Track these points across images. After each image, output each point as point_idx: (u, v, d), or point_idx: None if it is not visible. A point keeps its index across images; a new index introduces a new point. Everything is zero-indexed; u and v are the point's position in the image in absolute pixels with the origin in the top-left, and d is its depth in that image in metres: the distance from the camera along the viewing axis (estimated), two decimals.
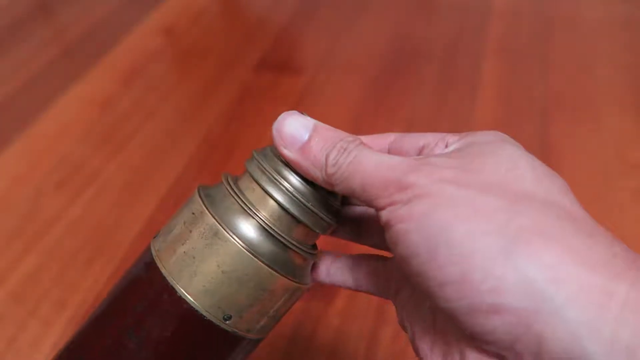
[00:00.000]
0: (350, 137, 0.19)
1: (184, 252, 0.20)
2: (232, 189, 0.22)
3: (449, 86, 0.65)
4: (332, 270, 0.24)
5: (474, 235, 0.14)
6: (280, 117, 0.20)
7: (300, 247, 0.22)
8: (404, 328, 0.21)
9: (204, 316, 0.20)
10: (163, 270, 0.20)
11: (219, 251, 0.20)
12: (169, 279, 0.20)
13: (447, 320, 0.17)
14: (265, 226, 0.21)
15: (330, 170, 0.18)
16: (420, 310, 0.19)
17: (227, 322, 0.20)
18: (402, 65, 0.69)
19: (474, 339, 0.15)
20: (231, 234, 0.20)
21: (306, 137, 0.19)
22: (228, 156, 0.58)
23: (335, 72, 0.69)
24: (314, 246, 0.24)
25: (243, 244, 0.20)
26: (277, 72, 0.70)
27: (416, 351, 0.19)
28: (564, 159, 0.54)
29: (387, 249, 0.24)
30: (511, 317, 0.13)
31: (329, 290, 0.44)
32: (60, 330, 0.43)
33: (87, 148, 0.60)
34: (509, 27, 0.76)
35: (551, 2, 0.81)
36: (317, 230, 0.22)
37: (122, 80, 0.70)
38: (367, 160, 0.18)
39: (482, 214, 0.14)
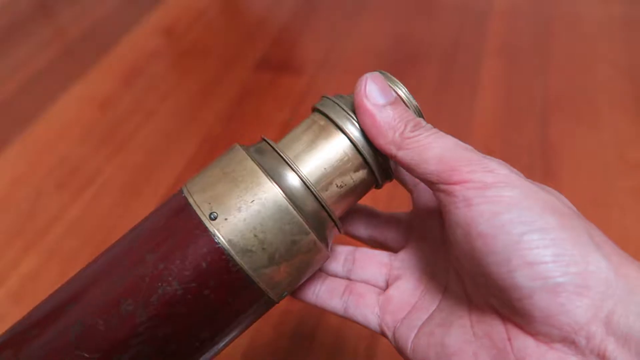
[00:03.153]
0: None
1: (222, 195, 0.20)
2: (273, 147, 0.22)
3: (449, 86, 0.65)
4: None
5: (564, 225, 0.16)
6: (371, 74, 0.21)
7: (333, 212, 0.22)
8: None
9: (236, 261, 0.19)
10: (197, 211, 0.20)
11: (260, 197, 0.20)
12: (207, 223, 0.19)
13: (494, 304, 0.18)
14: (306, 182, 0.21)
15: (408, 134, 0.19)
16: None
17: (255, 273, 0.20)
18: (402, 65, 0.69)
19: (539, 323, 0.16)
20: (273, 182, 0.20)
21: (389, 100, 0.20)
22: None
23: (335, 72, 0.69)
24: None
25: (283, 193, 0.20)
26: (277, 72, 0.70)
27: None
28: (564, 159, 0.54)
29: (393, 244, 0.25)
30: (592, 298, 0.15)
31: None
32: None
33: (87, 148, 0.60)
34: (509, 27, 0.76)
35: (551, 2, 0.81)
36: (378, 177, 0.22)
37: (122, 80, 0.70)
38: (447, 138, 0.19)
39: (560, 210, 0.16)
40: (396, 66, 0.69)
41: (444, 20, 0.78)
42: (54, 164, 0.59)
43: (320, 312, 0.43)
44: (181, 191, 0.21)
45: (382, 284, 0.25)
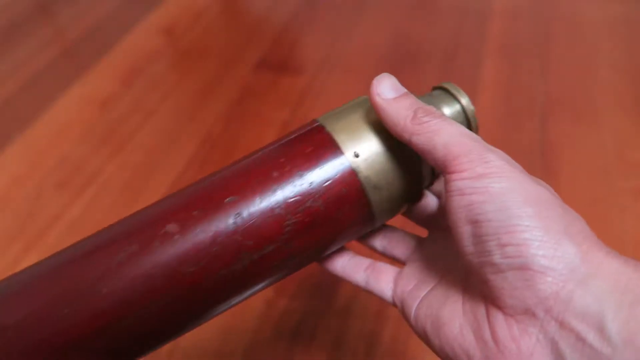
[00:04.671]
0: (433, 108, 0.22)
1: (364, 139, 0.24)
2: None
3: None
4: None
5: (540, 215, 0.18)
6: (380, 75, 0.24)
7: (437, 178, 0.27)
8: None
9: (367, 194, 0.23)
10: (343, 148, 0.24)
11: (395, 148, 0.24)
12: (350, 160, 0.23)
13: (477, 284, 0.21)
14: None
15: (419, 120, 0.21)
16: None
17: (377, 208, 0.24)
18: (402, 65, 0.69)
19: (507, 296, 0.18)
20: None
21: (399, 93, 0.23)
22: (228, 156, 0.58)
23: (335, 72, 0.69)
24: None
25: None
26: (277, 72, 0.70)
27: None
28: (564, 159, 0.54)
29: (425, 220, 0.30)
30: (554, 278, 0.17)
31: (329, 290, 0.44)
32: None
33: (87, 148, 0.60)
34: (509, 27, 0.76)
35: (551, 2, 0.81)
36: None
37: (122, 80, 0.70)
38: (454, 126, 0.21)
39: (543, 201, 0.19)
40: (396, 66, 0.69)
41: (444, 20, 0.78)
42: (54, 163, 0.59)
43: (321, 312, 0.43)
44: (322, 127, 0.25)
45: (403, 261, 0.28)
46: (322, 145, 0.24)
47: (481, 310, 0.20)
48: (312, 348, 0.41)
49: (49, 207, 0.54)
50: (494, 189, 0.19)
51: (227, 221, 0.22)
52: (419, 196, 0.26)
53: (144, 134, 0.62)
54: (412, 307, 0.24)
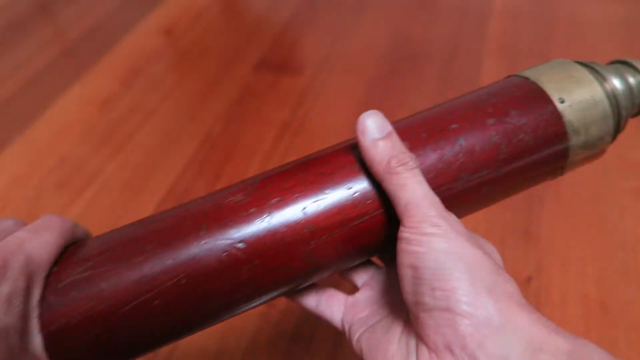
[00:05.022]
0: (412, 155, 0.25)
1: (568, 89, 0.27)
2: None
3: (449, 86, 0.65)
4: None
5: (469, 272, 0.22)
6: (367, 112, 0.26)
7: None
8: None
9: (568, 136, 0.27)
10: (551, 95, 0.27)
11: (597, 101, 0.27)
12: (557, 104, 0.27)
13: (412, 321, 0.24)
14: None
15: (391, 169, 0.24)
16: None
17: (572, 152, 0.27)
18: (402, 65, 0.69)
19: (432, 332, 0.22)
20: (606, 99, 0.28)
21: (382, 134, 0.25)
22: (228, 156, 0.58)
23: (335, 72, 0.69)
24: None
25: (610, 107, 0.28)
26: (277, 72, 0.70)
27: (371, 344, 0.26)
28: None
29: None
30: (472, 321, 0.21)
31: None
32: None
33: (87, 148, 0.60)
34: (509, 27, 0.76)
35: (551, 2, 0.81)
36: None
37: (122, 80, 0.70)
38: (420, 186, 0.23)
39: (477, 263, 0.22)
40: (396, 66, 0.69)
41: (444, 20, 0.78)
42: (54, 163, 0.59)
43: None
44: (526, 78, 0.28)
45: (359, 286, 0.31)
46: (531, 89, 0.28)
47: (412, 343, 0.23)
48: (312, 348, 0.41)
49: (49, 207, 0.54)
50: (436, 246, 0.22)
51: (453, 146, 0.26)
52: (604, 148, 0.30)
53: (144, 134, 0.62)
54: (357, 333, 0.27)
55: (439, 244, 0.22)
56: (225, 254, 0.23)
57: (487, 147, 0.26)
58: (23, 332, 0.21)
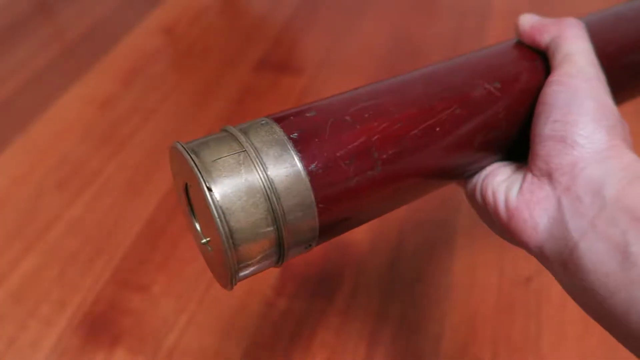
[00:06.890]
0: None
1: None
2: None
3: None
4: None
5: (596, 111, 0.23)
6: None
7: None
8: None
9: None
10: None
11: None
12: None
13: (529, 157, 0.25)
14: None
15: (566, 22, 0.30)
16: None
17: None
18: (402, 65, 0.69)
19: (540, 161, 0.23)
20: None
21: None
22: None
23: (335, 72, 0.69)
24: None
25: None
26: (277, 72, 0.70)
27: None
28: None
29: None
30: (580, 152, 0.22)
31: (328, 290, 0.44)
32: (60, 330, 0.43)
33: (87, 148, 0.60)
34: (509, 27, 0.76)
35: (551, 2, 0.81)
36: None
37: (122, 80, 0.70)
38: (581, 41, 0.27)
39: (606, 106, 0.24)
40: (396, 66, 0.69)
41: (444, 21, 0.78)
42: (54, 163, 0.59)
43: (321, 312, 0.43)
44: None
45: None
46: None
47: (522, 173, 0.25)
48: (311, 348, 0.41)
49: (49, 207, 0.54)
50: (575, 84, 0.24)
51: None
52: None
53: (144, 134, 0.62)
54: (479, 183, 0.28)
55: (579, 84, 0.24)
56: (486, 90, 0.26)
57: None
58: None
